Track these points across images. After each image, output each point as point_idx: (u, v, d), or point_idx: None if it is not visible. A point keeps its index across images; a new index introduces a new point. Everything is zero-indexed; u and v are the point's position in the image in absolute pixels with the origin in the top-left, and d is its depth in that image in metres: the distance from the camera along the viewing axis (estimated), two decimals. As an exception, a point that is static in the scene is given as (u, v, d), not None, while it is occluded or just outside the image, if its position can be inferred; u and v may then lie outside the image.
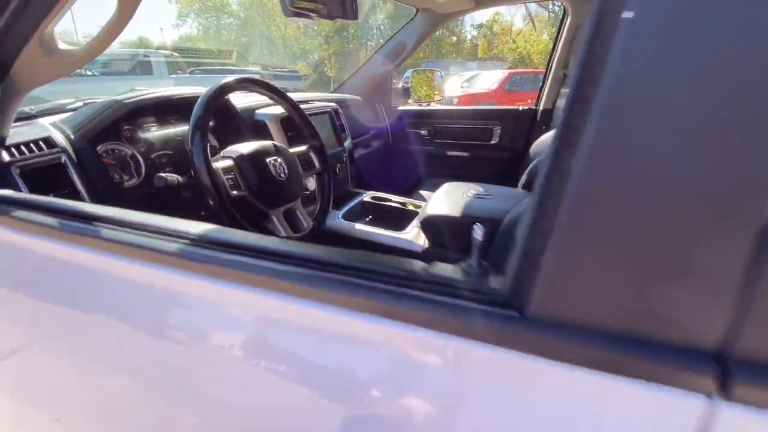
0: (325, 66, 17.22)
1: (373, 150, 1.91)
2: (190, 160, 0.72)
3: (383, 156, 1.98)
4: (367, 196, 1.48)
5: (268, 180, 0.88)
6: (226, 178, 0.79)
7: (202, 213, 0.94)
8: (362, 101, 1.99)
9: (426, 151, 2.12)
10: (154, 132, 1.02)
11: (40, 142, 0.77)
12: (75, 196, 0.79)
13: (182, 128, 1.08)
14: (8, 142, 0.70)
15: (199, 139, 0.73)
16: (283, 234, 0.89)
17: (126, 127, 0.95)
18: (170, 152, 1.02)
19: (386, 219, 1.38)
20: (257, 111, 1.22)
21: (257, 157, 0.87)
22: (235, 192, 0.80)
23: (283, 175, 0.90)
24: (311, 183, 1.21)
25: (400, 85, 2.37)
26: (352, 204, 1.41)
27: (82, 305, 0.51)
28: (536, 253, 0.28)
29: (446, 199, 1.24)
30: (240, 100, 1.23)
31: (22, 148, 0.73)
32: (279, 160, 0.92)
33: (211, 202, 0.73)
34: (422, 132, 2.15)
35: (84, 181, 0.81)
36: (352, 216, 1.34)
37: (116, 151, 0.92)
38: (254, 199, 0.84)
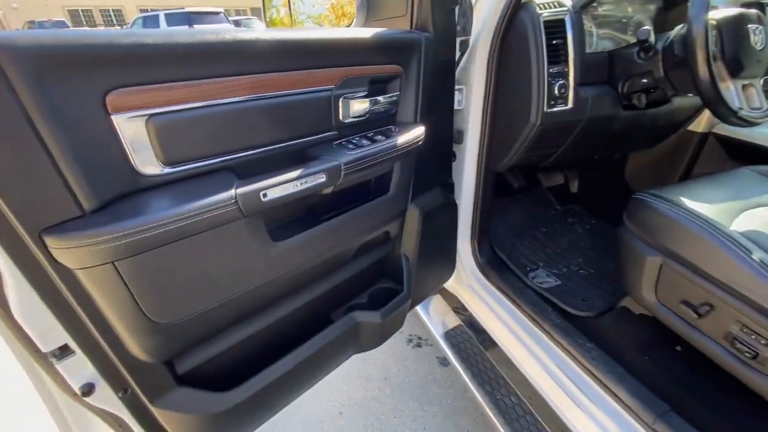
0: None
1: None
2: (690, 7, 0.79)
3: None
4: None
5: (744, 46, 0.85)
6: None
7: None
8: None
9: None
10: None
11: (555, 3, 0.95)
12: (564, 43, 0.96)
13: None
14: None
15: None
16: (738, 105, 0.86)
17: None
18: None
19: None
20: None
21: (740, 21, 0.85)
22: (714, 48, 0.83)
23: (760, 46, 0.86)
24: None
25: None
26: None
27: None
28: None
29: None
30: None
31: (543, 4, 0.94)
32: (761, 28, 0.86)
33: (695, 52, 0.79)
34: None
35: (573, 32, 0.95)
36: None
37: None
38: (721, 61, 0.85)
